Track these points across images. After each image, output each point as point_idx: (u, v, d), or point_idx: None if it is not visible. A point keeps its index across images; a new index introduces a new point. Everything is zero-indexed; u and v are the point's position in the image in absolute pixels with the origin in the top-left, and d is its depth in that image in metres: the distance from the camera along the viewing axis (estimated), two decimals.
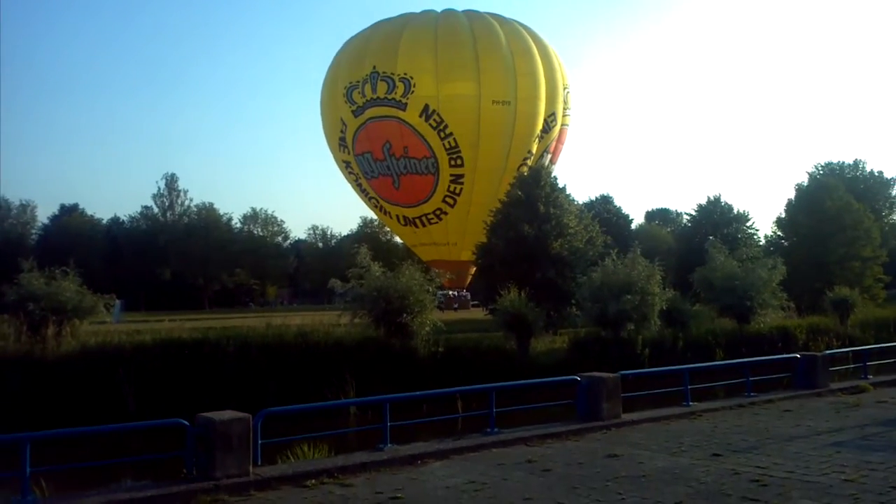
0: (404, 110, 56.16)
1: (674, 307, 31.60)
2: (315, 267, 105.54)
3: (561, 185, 42.60)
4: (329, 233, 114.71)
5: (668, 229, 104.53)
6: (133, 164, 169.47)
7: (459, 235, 57.50)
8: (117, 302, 30.20)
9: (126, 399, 20.33)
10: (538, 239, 38.02)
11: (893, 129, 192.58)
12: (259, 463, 10.99)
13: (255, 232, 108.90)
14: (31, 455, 9.59)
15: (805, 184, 65.14)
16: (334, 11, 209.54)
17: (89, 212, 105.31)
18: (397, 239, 78.42)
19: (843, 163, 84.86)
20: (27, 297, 22.47)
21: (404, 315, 25.97)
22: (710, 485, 10.16)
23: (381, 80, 56.67)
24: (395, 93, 56.25)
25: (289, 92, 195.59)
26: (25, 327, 22.48)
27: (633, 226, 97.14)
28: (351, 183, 62.98)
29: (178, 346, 23.10)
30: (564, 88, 61.37)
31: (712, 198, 61.75)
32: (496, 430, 13.75)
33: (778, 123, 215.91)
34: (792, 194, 63.78)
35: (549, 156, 59.95)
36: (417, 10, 63.21)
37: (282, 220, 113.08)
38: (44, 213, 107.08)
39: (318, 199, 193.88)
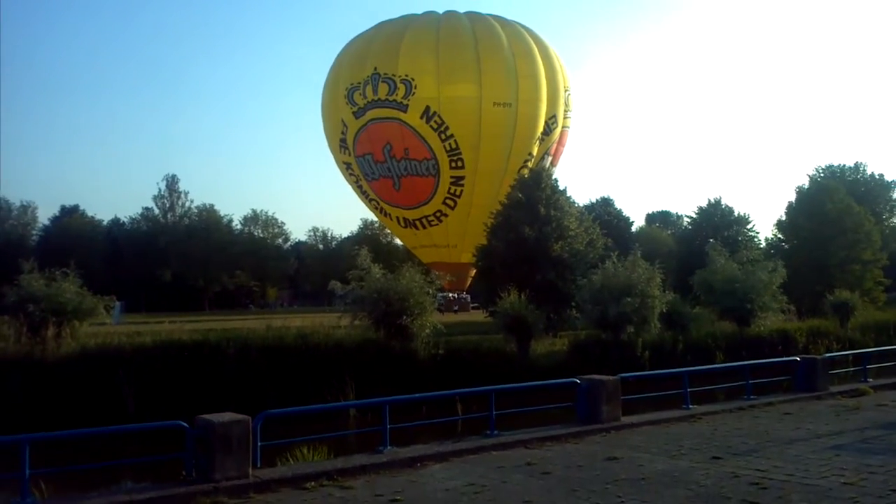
0: (405, 112, 56.18)
1: (674, 310, 31.62)
2: (315, 269, 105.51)
3: (561, 188, 42.76)
4: (329, 235, 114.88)
5: (669, 232, 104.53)
6: (134, 165, 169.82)
7: (460, 237, 57.50)
8: (117, 303, 30.24)
9: (126, 401, 20.34)
10: (538, 241, 38.04)
11: (894, 131, 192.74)
12: (258, 465, 10.99)
13: (256, 233, 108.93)
14: (30, 457, 9.59)
15: (805, 186, 65.25)
16: (336, 12, 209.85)
17: (90, 213, 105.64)
18: (398, 241, 78.42)
19: (844, 165, 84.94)
20: (27, 298, 22.49)
21: (404, 317, 25.98)
22: (710, 488, 10.15)
23: (383, 81, 56.70)
24: (397, 94, 56.27)
25: (289, 93, 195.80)
26: (25, 329, 22.51)
27: (634, 228, 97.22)
28: (351, 184, 62.99)
29: (179, 347, 23.12)
30: (565, 90, 61.39)
31: (713, 200, 61.73)
32: (496, 432, 13.75)
33: (779, 126, 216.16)
34: (792, 197, 63.94)
35: (550, 158, 59.96)
36: (419, 11, 63.31)
37: (282, 222, 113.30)
38: (44, 215, 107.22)
39: (318, 200, 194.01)
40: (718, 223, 59.26)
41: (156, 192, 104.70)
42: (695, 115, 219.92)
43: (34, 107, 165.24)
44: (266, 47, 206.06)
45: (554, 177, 43.75)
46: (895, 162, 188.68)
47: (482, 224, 44.48)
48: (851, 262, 55.88)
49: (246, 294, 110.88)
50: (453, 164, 56.70)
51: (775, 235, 62.98)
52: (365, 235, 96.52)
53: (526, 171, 46.94)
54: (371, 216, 78.69)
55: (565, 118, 61.63)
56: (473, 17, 61.05)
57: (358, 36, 62.74)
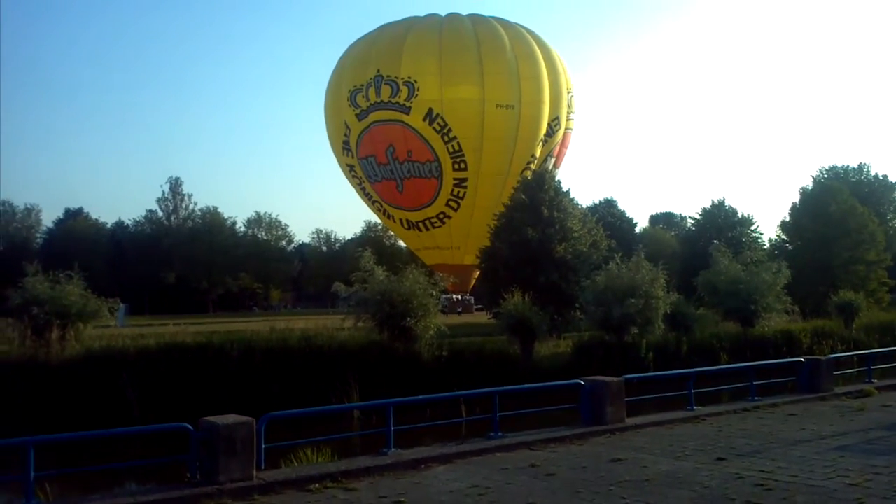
0: (408, 114, 56.24)
1: (678, 311, 31.56)
2: (319, 271, 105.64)
3: (565, 189, 42.76)
4: (333, 237, 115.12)
5: (673, 233, 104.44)
6: (137, 168, 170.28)
7: (463, 239, 57.53)
8: (121, 306, 30.30)
9: (130, 403, 20.34)
10: (542, 243, 38.03)
11: None
12: (263, 467, 11.00)
13: (260, 236, 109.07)
14: (35, 459, 9.61)
15: (809, 187, 65.16)
16: (338, 15, 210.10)
17: (94, 216, 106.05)
18: (401, 243, 78.48)
19: (848, 167, 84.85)
20: (31, 301, 22.50)
21: (408, 319, 25.96)
22: (715, 489, 10.15)
23: (385, 83, 56.77)
24: (399, 96, 56.34)
25: (293, 95, 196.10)
26: (30, 331, 22.49)
27: (638, 229, 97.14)
28: (354, 186, 63.07)
29: (182, 350, 23.13)
30: (568, 92, 61.42)
31: (717, 201, 61.93)
32: (500, 434, 13.73)
33: (782, 127, 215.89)
34: (796, 198, 63.78)
35: (553, 159, 59.97)
36: (422, 13, 63.36)
37: (286, 224, 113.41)
38: (48, 217, 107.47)
39: (322, 202, 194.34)
40: (722, 224, 59.37)
41: (159, 195, 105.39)
42: (698, 117, 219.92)
43: (37, 109, 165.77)
44: (269, 49, 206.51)
45: (557, 178, 43.83)
46: None
47: (485, 226, 44.49)
48: (855, 262, 55.79)
49: (249, 296, 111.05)
50: (456, 166, 56.75)
51: (779, 236, 62.93)
52: (368, 237, 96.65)
53: (529, 173, 46.94)
54: (374, 218, 78.81)
55: (568, 120, 61.65)
56: (476, 19, 61.12)
57: (361, 38, 62.83)
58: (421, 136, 56.47)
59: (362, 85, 57.76)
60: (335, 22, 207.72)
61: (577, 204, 46.10)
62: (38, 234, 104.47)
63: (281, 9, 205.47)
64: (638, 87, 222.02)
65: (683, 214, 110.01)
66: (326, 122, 63.64)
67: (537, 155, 57.89)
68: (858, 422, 15.41)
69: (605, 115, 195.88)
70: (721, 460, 11.88)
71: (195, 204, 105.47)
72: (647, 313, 29.22)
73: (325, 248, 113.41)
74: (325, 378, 22.36)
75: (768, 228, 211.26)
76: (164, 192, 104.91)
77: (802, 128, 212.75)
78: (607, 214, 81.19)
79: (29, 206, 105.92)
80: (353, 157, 60.19)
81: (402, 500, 9.99)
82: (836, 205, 57.54)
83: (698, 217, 63.84)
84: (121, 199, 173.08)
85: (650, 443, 13.54)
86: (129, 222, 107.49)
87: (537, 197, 40.05)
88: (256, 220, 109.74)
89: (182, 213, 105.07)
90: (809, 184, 68.58)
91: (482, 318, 48.61)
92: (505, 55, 57.57)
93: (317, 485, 10.72)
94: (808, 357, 21.50)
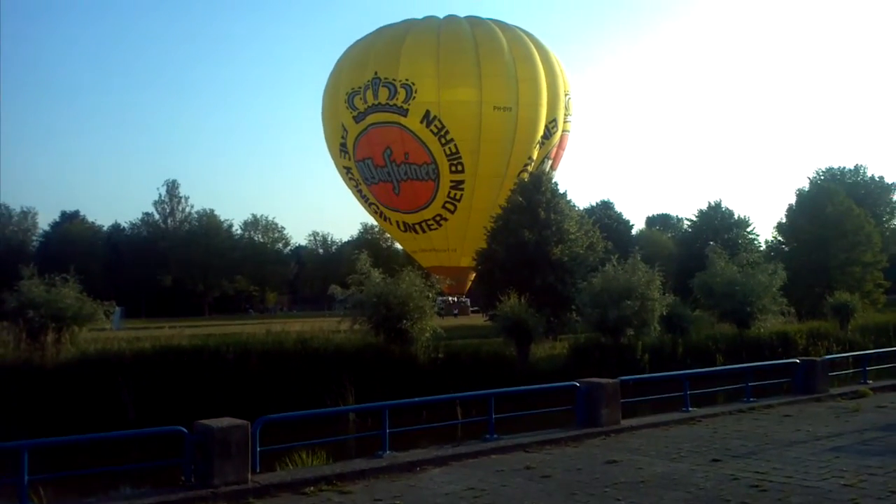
0: (405, 116, 56.26)
1: (674, 313, 31.59)
2: (315, 273, 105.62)
3: (562, 191, 42.80)
4: (329, 239, 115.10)
5: (669, 235, 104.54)
6: (134, 170, 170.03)
7: (459, 241, 57.55)
8: (117, 309, 30.27)
9: (126, 406, 20.33)
10: (538, 245, 38.06)
11: (894, 134, 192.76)
12: (258, 470, 10.97)
13: (256, 238, 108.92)
14: (29, 462, 9.57)
15: (806, 189, 65.22)
16: (336, 17, 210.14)
17: (90, 218, 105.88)
18: (398, 245, 78.53)
19: (844, 168, 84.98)
20: (27, 304, 22.49)
21: (404, 321, 25.98)
22: (710, 490, 10.14)
23: (383, 85, 56.80)
24: (397, 99, 56.37)
25: (290, 97, 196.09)
26: (25, 334, 22.50)
27: (634, 231, 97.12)
28: (351, 189, 63.07)
29: (178, 353, 23.13)
30: (566, 94, 61.47)
31: (713, 203, 61.84)
32: (495, 436, 13.72)
33: (779, 129, 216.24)
34: (793, 199, 63.91)
35: (550, 162, 60.02)
36: (420, 15, 63.41)
37: (282, 227, 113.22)
38: (44, 220, 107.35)
39: (318, 205, 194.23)
40: (718, 226, 59.32)
41: (156, 198, 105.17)
42: (695, 118, 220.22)
43: (34, 111, 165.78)
44: (267, 52, 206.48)
45: (554, 180, 43.85)
46: (895, 164, 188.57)
47: (482, 228, 44.53)
48: (851, 264, 55.82)
49: (246, 299, 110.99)
50: (453, 168, 56.77)
51: (775, 238, 62.97)
52: (365, 240, 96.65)
53: (526, 175, 47.00)
54: (371, 220, 78.76)
55: (565, 122, 61.72)
56: (474, 21, 61.16)
57: (358, 40, 62.87)
58: (418, 138, 56.49)
59: (360, 87, 57.78)
60: (332, 24, 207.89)
61: (574, 206, 46.15)
62: (34, 237, 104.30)
63: (277, 11, 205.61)
64: (635, 89, 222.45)
65: (680, 216, 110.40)
66: (323, 125, 63.63)
67: (534, 157, 57.94)
68: (853, 423, 15.42)
69: (602, 118, 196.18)
70: (716, 461, 11.88)
71: (191, 207, 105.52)
72: (643, 315, 29.26)
73: (321, 251, 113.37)
74: (320, 380, 22.35)
75: (765, 230, 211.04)
76: (160, 195, 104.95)
77: (799, 129, 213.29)
78: (604, 216, 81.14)
79: (25, 208, 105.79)
80: (349, 159, 60.20)
81: (398, 502, 9.98)
82: (832, 206, 57.60)
83: (695, 219, 63.81)
84: (117, 202, 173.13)
85: (646, 444, 13.53)
86: (126, 225, 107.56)
87: (534, 199, 40.08)
88: (253, 223, 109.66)
89: (178, 215, 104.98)
90: (806, 185, 68.73)
91: (478, 320, 48.62)
92: (503, 57, 57.61)
93: (312, 488, 10.69)
94: (803, 358, 21.51)
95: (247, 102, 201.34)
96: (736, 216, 60.47)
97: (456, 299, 66.01)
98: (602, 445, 13.60)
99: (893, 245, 72.76)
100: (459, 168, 56.76)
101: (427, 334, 26.50)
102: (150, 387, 21.07)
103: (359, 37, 63.47)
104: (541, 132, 58.50)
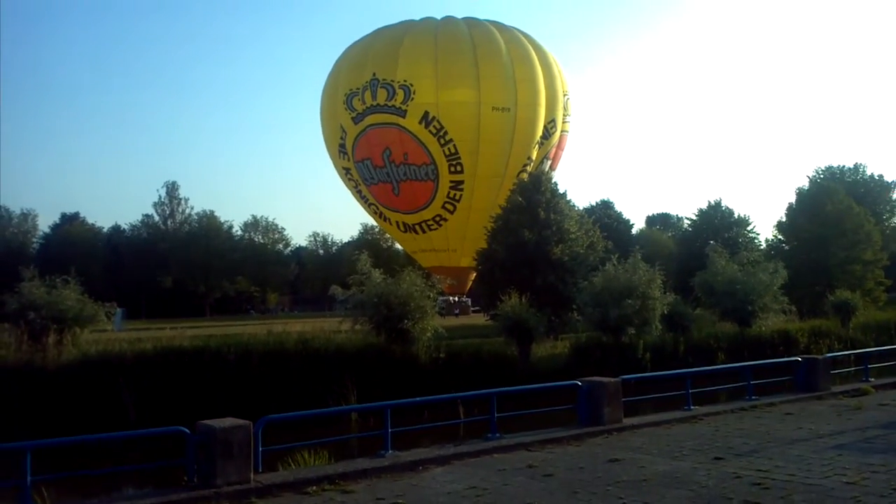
0: (404, 117, 56.28)
1: (675, 311, 31.59)
2: (316, 274, 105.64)
3: (561, 191, 42.77)
4: (330, 240, 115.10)
5: (669, 234, 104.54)
6: (134, 172, 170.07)
7: (459, 241, 57.56)
8: (118, 310, 30.22)
9: (127, 407, 20.31)
10: (539, 244, 38.05)
11: (894, 132, 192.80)
12: (260, 470, 10.99)
13: (256, 239, 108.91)
14: (32, 464, 9.58)
15: (806, 188, 65.27)
16: (335, 18, 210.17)
17: (90, 220, 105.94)
18: (398, 246, 78.52)
19: (844, 166, 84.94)
20: (28, 305, 22.46)
21: (405, 321, 25.96)
22: (712, 488, 10.15)
23: (381, 87, 56.81)
24: (395, 100, 56.38)
25: (289, 98, 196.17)
26: (26, 336, 22.46)
27: (634, 231, 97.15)
28: (351, 189, 63.07)
29: (180, 353, 23.07)
30: (564, 95, 61.48)
31: (713, 202, 61.89)
32: (497, 435, 13.74)
33: (778, 128, 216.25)
34: (793, 198, 63.89)
35: (549, 162, 60.01)
36: (418, 17, 63.41)
37: (283, 228, 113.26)
38: (45, 222, 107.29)
39: (318, 206, 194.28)
40: (719, 225, 59.38)
41: (156, 199, 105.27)
42: (694, 118, 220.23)
43: (34, 114, 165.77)
44: (267, 53, 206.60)
45: (553, 180, 43.80)
46: (895, 162, 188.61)
47: (482, 228, 44.53)
48: (852, 262, 55.85)
49: (247, 300, 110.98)
50: (452, 169, 56.78)
51: (776, 236, 62.99)
52: (365, 240, 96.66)
53: (525, 175, 46.99)
54: (371, 221, 78.78)
55: (564, 122, 61.73)
56: (471, 22, 61.17)
57: (357, 42, 62.86)
58: (417, 139, 56.50)
59: (358, 88, 57.80)
60: (330, 26, 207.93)
61: (574, 206, 46.15)
62: (35, 239, 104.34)
63: (274, 13, 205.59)
64: (634, 88, 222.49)
65: (680, 215, 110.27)
66: (322, 126, 63.63)
67: (533, 157, 57.95)
68: (855, 420, 15.44)
69: (601, 117, 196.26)
70: (718, 460, 11.89)
71: (192, 208, 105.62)
72: (644, 314, 29.26)
73: (321, 252, 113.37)
74: (322, 381, 22.33)
75: (765, 229, 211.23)
76: (160, 197, 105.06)
77: (799, 128, 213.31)
78: (604, 216, 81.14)
79: (25, 210, 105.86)
80: (349, 160, 60.20)
81: (400, 501, 9.99)
82: (832, 205, 57.63)
83: (695, 218, 63.83)
84: (117, 203, 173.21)
85: (647, 443, 13.55)
86: (126, 227, 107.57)
87: (534, 199, 40.08)
88: (253, 224, 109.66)
89: (179, 217, 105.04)
90: (806, 184, 68.75)
91: (479, 319, 48.63)
92: (501, 58, 57.63)
93: (314, 487, 10.70)
94: (804, 356, 21.53)
95: (246, 103, 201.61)
96: (736, 215, 60.55)
97: (457, 299, 66.01)
98: (604, 444, 13.61)
99: (893, 243, 72.76)
100: (458, 168, 56.77)
101: (428, 334, 26.49)
102: (151, 388, 21.04)
103: (358, 38, 63.52)
104: (539, 132, 58.52)
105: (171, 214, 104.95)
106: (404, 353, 25.69)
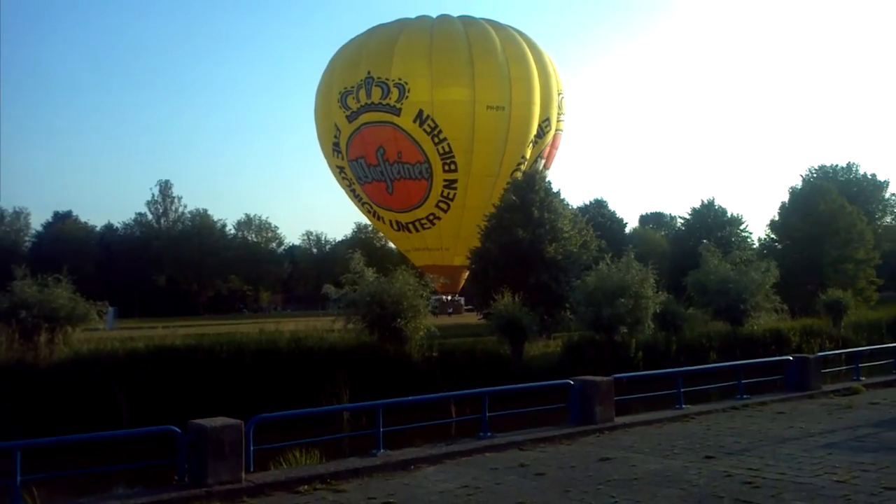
0: (398, 115, 56.25)
1: (667, 310, 31.64)
2: (309, 273, 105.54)
3: (555, 190, 42.77)
4: (323, 238, 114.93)
5: (662, 233, 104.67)
6: (127, 170, 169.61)
7: (453, 240, 57.56)
8: (110, 309, 30.15)
9: (119, 406, 20.25)
10: (532, 243, 38.07)
11: (886, 131, 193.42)
12: (251, 469, 10.97)
13: (249, 238, 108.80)
14: (22, 463, 9.55)
15: (798, 187, 65.51)
16: (329, 16, 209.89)
17: (83, 219, 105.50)
18: (391, 244, 78.50)
19: (837, 166, 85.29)
20: (19, 304, 22.37)
21: (398, 320, 25.95)
22: (703, 487, 10.17)
23: (376, 85, 56.77)
24: (390, 98, 56.33)
25: (282, 97, 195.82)
26: (17, 335, 22.35)
27: (627, 230, 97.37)
28: (344, 188, 63.00)
29: (172, 352, 23.02)
30: (559, 94, 61.52)
31: (706, 201, 62.06)
32: (489, 434, 13.75)
33: (771, 127, 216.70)
34: (785, 197, 64.13)
35: (543, 161, 60.04)
36: (413, 15, 63.37)
37: (276, 226, 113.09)
38: (37, 221, 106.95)
39: (312, 204, 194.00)
40: (711, 224, 59.52)
41: (149, 198, 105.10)
42: (687, 117, 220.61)
43: (26, 112, 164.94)
44: (261, 52, 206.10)
45: (547, 179, 43.83)
46: (887, 162, 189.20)
47: (475, 227, 44.51)
48: (844, 261, 56.06)
49: (239, 298, 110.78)
50: (446, 168, 56.77)
51: (768, 236, 63.20)
52: (358, 239, 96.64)
53: (519, 174, 47.02)
54: (365, 220, 78.74)
55: (558, 121, 61.78)
56: (467, 21, 61.15)
57: (351, 40, 62.79)
58: (411, 137, 56.47)
59: (353, 87, 57.74)
60: (325, 24, 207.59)
61: (568, 204, 46.19)
62: (27, 238, 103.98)
63: (270, 11, 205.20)
64: (628, 88, 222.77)
65: (673, 214, 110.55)
66: (316, 124, 63.57)
67: (527, 156, 57.96)
68: (846, 419, 15.49)
69: (595, 117, 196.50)
70: (710, 458, 11.92)
71: (185, 206, 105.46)
72: (636, 313, 29.29)
73: (315, 250, 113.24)
74: (314, 380, 22.30)
75: (758, 228, 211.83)
76: (153, 195, 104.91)
77: (791, 127, 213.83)
78: (597, 215, 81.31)
79: (17, 209, 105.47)
80: (343, 158, 60.14)
81: (392, 500, 9.98)
82: (824, 204, 57.82)
83: (688, 217, 63.98)
84: (110, 202, 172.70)
85: (639, 442, 13.57)
86: (119, 225, 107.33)
87: (528, 198, 40.09)
88: (246, 223, 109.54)
89: (172, 215, 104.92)
90: (798, 183, 69.02)
91: (472, 318, 48.66)
92: (496, 57, 57.63)
93: (306, 486, 10.69)
94: (796, 355, 21.60)
95: (240, 103, 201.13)
96: (729, 214, 60.73)
97: (450, 298, 66.01)
98: (596, 443, 13.64)
99: (886, 242, 73.09)
100: (452, 167, 56.77)
101: (421, 333, 26.49)
102: (143, 386, 20.98)
103: (351, 36, 63.47)
104: (534, 131, 58.56)
105: (164, 213, 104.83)
106: (397, 352, 25.68)
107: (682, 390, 17.13)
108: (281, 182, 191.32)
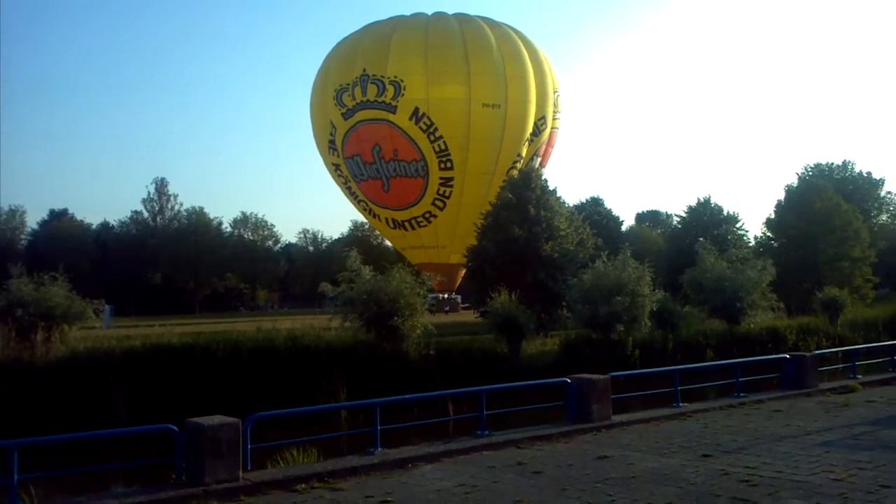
0: (394, 113, 56.16)
1: (664, 308, 31.68)
2: (305, 271, 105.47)
3: (551, 188, 42.77)
4: (319, 236, 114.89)
5: (659, 231, 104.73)
6: (122, 168, 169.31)
7: (449, 238, 57.52)
8: (107, 307, 30.11)
9: (116, 404, 20.23)
10: (529, 241, 38.08)
11: (882, 129, 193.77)
12: (249, 468, 10.96)
13: (246, 236, 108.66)
14: (19, 462, 9.53)
15: (794, 185, 65.59)
16: (324, 14, 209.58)
17: (79, 217, 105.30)
18: (388, 242, 78.43)
19: (832, 164, 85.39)
20: (15, 302, 22.32)
21: (395, 318, 25.95)
22: (700, 485, 10.18)
23: (372, 82, 56.65)
24: (386, 96, 56.23)
25: (278, 95, 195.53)
26: (14, 333, 22.32)
27: (624, 228, 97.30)
28: (340, 186, 62.90)
29: (169, 351, 23.01)
30: (554, 92, 61.46)
31: (702, 199, 62.12)
32: (487, 432, 13.76)
33: (767, 125, 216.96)
34: (781, 195, 64.21)
35: (539, 159, 60.01)
36: (408, 13, 63.31)
37: (272, 224, 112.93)
38: (33, 219, 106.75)
39: (308, 202, 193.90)
40: (708, 222, 59.58)
41: (145, 196, 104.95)
42: (684, 115, 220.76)
43: (21, 111, 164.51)
44: (255, 50, 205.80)
45: (543, 177, 43.82)
46: (883, 159, 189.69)
47: (471, 225, 44.50)
48: (840, 259, 56.16)
49: (236, 296, 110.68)
50: (442, 166, 56.71)
51: (764, 234, 63.31)
52: (355, 237, 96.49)
53: (515, 172, 46.99)
54: (361, 218, 78.63)
55: (554, 119, 61.71)
56: (462, 18, 61.06)
57: (347, 37, 62.64)
58: (407, 135, 56.38)
59: (348, 84, 57.63)
60: (320, 21, 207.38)
61: (564, 202, 46.19)
62: (23, 236, 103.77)
63: (267, 9, 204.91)
64: (624, 86, 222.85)
65: (669, 212, 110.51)
66: (312, 122, 63.44)
67: (524, 154, 57.92)
68: (843, 417, 15.52)
69: (591, 115, 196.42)
70: (707, 457, 11.93)
71: (181, 204, 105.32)
72: (633, 311, 29.33)
73: (311, 248, 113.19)
74: (311, 378, 22.30)
75: (754, 226, 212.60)
76: (149, 193, 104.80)
77: (788, 125, 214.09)
78: (594, 213, 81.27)
79: (13, 207, 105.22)
80: (338, 156, 60.04)
81: (389, 499, 9.98)
82: (820, 202, 57.90)
83: (684, 215, 64.06)
84: (106, 200, 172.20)
85: (636, 440, 13.58)
86: (115, 223, 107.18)
87: (524, 196, 40.10)
88: (242, 221, 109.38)
89: (168, 213, 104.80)
90: (794, 181, 69.11)
91: (469, 316, 48.65)
92: (491, 55, 57.54)
93: (303, 485, 10.69)
94: (793, 353, 21.61)
95: (235, 101, 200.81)
96: (725, 212, 60.80)
97: (447, 296, 65.99)
98: (593, 441, 13.64)
99: (881, 240, 73.20)
100: (448, 165, 56.71)
101: (418, 331, 26.50)
102: (140, 385, 20.96)
103: (347, 34, 63.31)
104: (530, 129, 58.49)
105: (161, 211, 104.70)
106: (394, 350, 25.68)
107: (678, 388, 17.15)
108: (277, 180, 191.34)
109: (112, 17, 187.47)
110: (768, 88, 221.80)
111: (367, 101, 56.67)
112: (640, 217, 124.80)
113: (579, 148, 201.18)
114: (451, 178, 56.92)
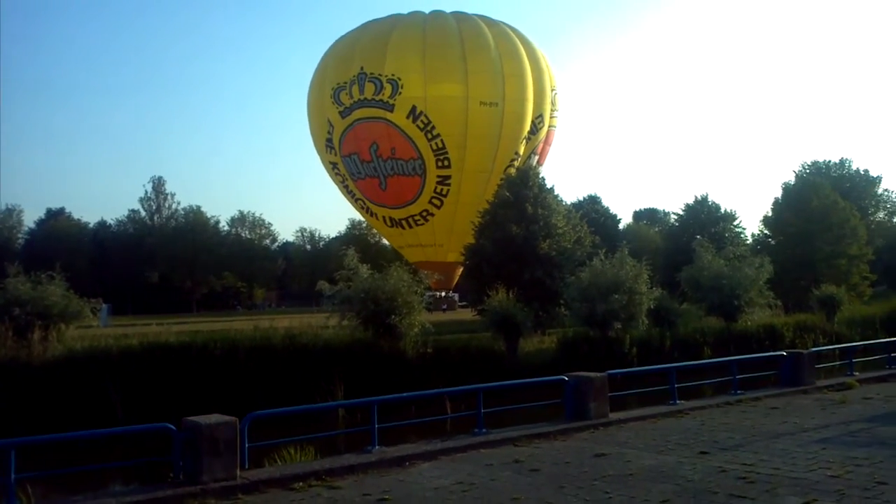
0: (392, 111, 56.13)
1: (661, 306, 31.71)
2: (303, 269, 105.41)
3: (549, 186, 42.76)
4: (317, 235, 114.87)
5: (656, 229, 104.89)
6: (119, 167, 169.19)
7: (446, 237, 57.51)
8: (104, 306, 30.10)
9: (114, 403, 20.21)
10: (526, 239, 38.09)
11: (879, 127, 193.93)
12: (246, 466, 10.95)
13: (243, 235, 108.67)
14: (16, 461, 9.52)
15: (792, 183, 65.65)
16: (322, 12, 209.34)
17: (76, 215, 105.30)
18: (386, 241, 78.41)
19: (830, 161, 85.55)
20: (13, 301, 22.30)
21: (392, 316, 25.94)
22: (698, 482, 10.19)
23: (369, 81, 56.62)
24: (383, 94, 56.20)
25: (275, 93, 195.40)
26: (11, 332, 22.29)
27: (621, 226, 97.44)
28: (338, 184, 62.87)
29: (166, 349, 22.98)
30: (552, 90, 61.46)
31: (699, 197, 62.32)
32: (484, 430, 13.75)
33: (765, 123, 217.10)
34: (779, 193, 64.31)
35: (537, 157, 60.01)
36: (406, 11, 63.24)
37: (269, 223, 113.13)
38: (30, 218, 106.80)
39: (306, 201, 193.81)
40: (705, 220, 59.73)
41: (142, 195, 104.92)
42: (682, 113, 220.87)
43: (19, 110, 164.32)
44: (253, 48, 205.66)
45: (541, 175, 43.80)
46: (880, 157, 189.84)
47: (469, 223, 44.49)
48: (837, 257, 56.24)
49: (233, 295, 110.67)
50: (440, 164, 56.70)
51: (762, 231, 63.40)
52: (352, 235, 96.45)
53: (513, 171, 46.97)
54: (358, 216, 78.56)
55: (552, 117, 61.71)
56: (460, 16, 61.04)
57: (344, 35, 62.60)
58: (404, 133, 56.36)
59: (346, 82, 57.59)
60: (317, 20, 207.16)
61: (562, 201, 46.18)
62: (20, 235, 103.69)
63: (264, 7, 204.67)
64: (621, 84, 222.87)
65: (667, 210, 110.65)
66: (309, 120, 63.39)
67: (521, 152, 57.92)
68: (840, 414, 15.53)
69: (588, 113, 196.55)
70: (704, 454, 11.94)
71: (178, 203, 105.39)
72: (630, 309, 29.36)
73: (309, 247, 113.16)
74: (309, 376, 22.31)
75: (751, 224, 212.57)
76: (146, 192, 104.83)
77: (785, 123, 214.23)
78: (591, 211, 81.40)
79: (10, 206, 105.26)
80: (336, 154, 60.01)
81: (387, 497, 9.98)
82: (817, 200, 57.97)
83: (681, 213, 64.20)
84: (103, 198, 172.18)
85: (634, 437, 13.59)
86: (112, 222, 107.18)
87: (521, 194, 40.09)
88: (240, 219, 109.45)
89: (165, 212, 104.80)
90: (792, 179, 69.17)
91: (467, 314, 48.62)
92: (489, 53, 57.53)
93: (301, 483, 10.68)
94: (790, 351, 21.64)
95: (233, 100, 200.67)
96: (722, 210, 61.00)
97: (444, 294, 65.96)
98: (590, 439, 13.65)
99: (878, 238, 73.28)
100: (446, 163, 56.69)
101: (416, 329, 26.49)
102: (138, 384, 20.94)
103: (345, 32, 63.28)
104: (527, 127, 58.50)
105: (158, 210, 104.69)
106: (392, 348, 25.68)
107: (676, 386, 17.14)
108: (274, 178, 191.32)
109: (111, 17, 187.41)
110: (766, 86, 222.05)
111: (365, 99, 56.65)
112: (638, 215, 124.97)
113: (577, 146, 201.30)
114: (449, 177, 56.91)
